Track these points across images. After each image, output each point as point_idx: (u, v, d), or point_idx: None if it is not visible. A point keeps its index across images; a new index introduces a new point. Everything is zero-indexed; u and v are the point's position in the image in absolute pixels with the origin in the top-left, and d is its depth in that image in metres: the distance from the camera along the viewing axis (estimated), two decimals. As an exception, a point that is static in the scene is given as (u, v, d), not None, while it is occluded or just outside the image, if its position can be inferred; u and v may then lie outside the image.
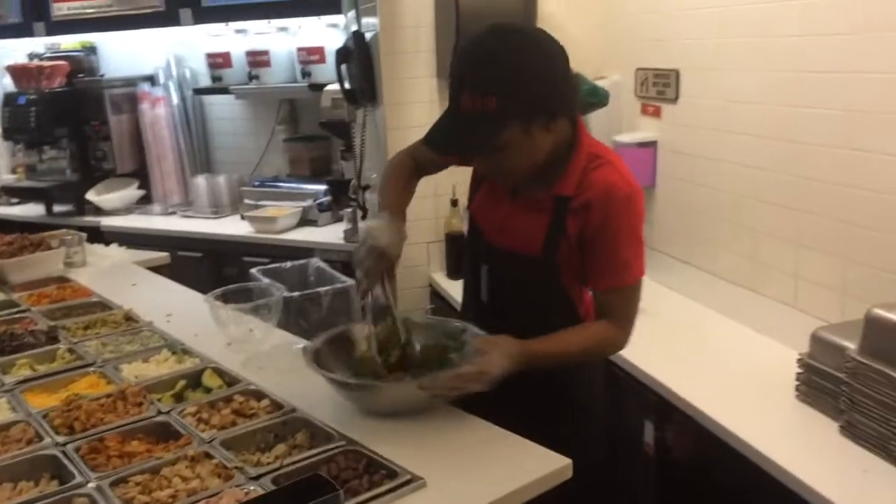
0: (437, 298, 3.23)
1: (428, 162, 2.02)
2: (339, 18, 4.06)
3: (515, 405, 1.76)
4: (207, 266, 4.20)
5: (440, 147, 1.74)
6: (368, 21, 3.24)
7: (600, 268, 1.76)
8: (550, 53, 1.64)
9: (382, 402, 1.75)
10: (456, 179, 3.12)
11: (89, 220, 4.59)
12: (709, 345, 2.39)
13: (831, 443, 1.78)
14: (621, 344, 1.83)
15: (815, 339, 1.93)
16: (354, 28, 3.33)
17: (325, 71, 4.11)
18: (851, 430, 1.77)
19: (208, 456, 1.59)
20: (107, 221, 4.56)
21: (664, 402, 2.14)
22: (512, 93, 1.57)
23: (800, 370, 1.96)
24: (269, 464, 1.58)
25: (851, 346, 1.78)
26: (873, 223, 1.96)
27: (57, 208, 4.82)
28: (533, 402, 1.82)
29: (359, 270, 1.79)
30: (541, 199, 1.76)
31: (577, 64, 3.27)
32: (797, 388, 1.97)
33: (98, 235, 4.16)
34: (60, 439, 1.68)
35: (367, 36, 3.21)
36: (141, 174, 4.86)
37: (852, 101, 2.00)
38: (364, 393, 1.75)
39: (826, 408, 1.88)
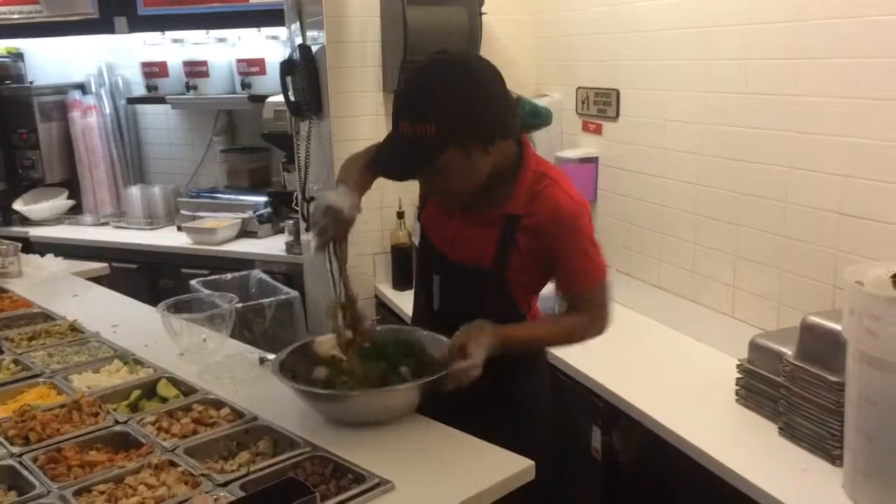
0: (383, 309, 3.25)
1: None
2: (279, 31, 4.06)
3: (464, 410, 1.81)
4: (143, 278, 4.12)
5: (383, 168, 1.80)
6: (313, 34, 3.26)
7: (565, 277, 1.86)
8: (487, 81, 1.71)
9: (352, 411, 1.77)
10: (402, 192, 3.17)
11: (16, 230, 4.46)
12: (651, 353, 2.49)
13: (772, 443, 1.88)
14: (598, 329, 1.90)
15: (754, 346, 2.04)
16: (299, 41, 3.34)
17: (266, 82, 4.11)
18: (790, 432, 1.87)
19: (173, 464, 1.59)
20: (36, 231, 4.43)
21: (611, 408, 2.22)
22: (450, 120, 1.64)
23: (739, 375, 2.07)
24: (233, 471, 1.58)
25: (788, 351, 1.90)
26: (807, 236, 2.09)
27: (-20, 218, 4.66)
28: (481, 407, 1.87)
29: (313, 228, 1.81)
30: (489, 214, 1.83)
31: (518, 81, 3.39)
32: (737, 393, 2.08)
33: (26, 246, 4.03)
34: (16, 450, 1.64)
35: (314, 49, 3.23)
36: (71, 184, 4.74)
37: (789, 123, 2.13)
38: (334, 403, 1.76)
39: (765, 411, 1.99)
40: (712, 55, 2.39)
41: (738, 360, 2.08)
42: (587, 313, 1.88)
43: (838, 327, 1.65)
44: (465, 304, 1.91)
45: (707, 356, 2.41)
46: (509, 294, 1.87)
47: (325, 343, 1.90)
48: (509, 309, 1.88)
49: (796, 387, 1.85)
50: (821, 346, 1.80)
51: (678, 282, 2.60)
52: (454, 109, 1.65)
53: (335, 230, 1.79)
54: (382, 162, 1.77)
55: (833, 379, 1.74)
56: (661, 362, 2.40)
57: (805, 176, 2.09)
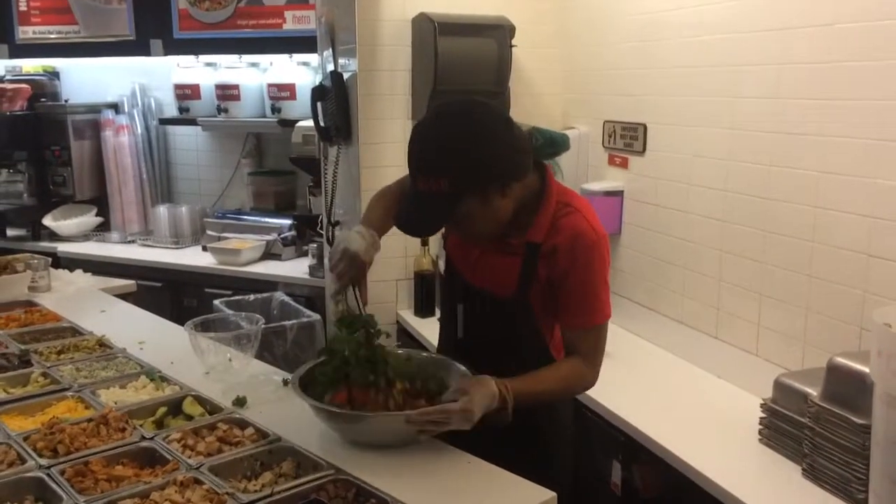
0: (405, 335, 3.27)
1: None
2: (310, 57, 4.13)
3: (488, 439, 1.82)
4: (167, 296, 4.16)
5: (406, 228, 1.84)
6: (345, 62, 3.32)
7: (570, 309, 1.85)
8: (493, 127, 1.73)
9: (369, 432, 1.78)
10: (427, 219, 3.19)
11: (45, 245, 4.52)
12: (673, 388, 2.48)
13: (795, 485, 1.87)
14: (591, 381, 1.91)
15: (779, 385, 2.03)
16: (331, 67, 3.40)
17: (295, 107, 4.17)
18: (814, 473, 1.86)
19: (198, 481, 1.60)
20: (64, 247, 4.50)
21: (631, 442, 2.21)
22: (461, 173, 1.67)
23: (763, 414, 2.06)
24: (256, 491, 1.60)
25: (814, 392, 1.89)
26: (834, 276, 2.09)
27: (11, 232, 4.73)
28: (505, 436, 1.88)
29: (332, 272, 1.86)
30: (513, 243, 1.85)
31: (546, 114, 3.42)
32: (760, 432, 2.07)
33: (54, 261, 4.09)
34: (44, 462, 1.66)
35: (345, 76, 3.28)
36: (100, 201, 4.81)
37: (816, 163, 2.14)
38: (351, 424, 1.77)
39: (789, 451, 1.97)
40: (740, 93, 2.41)
41: (762, 398, 2.07)
42: (585, 360, 1.86)
43: (865, 369, 1.65)
44: (489, 332, 1.93)
45: (730, 394, 2.40)
46: (532, 322, 1.88)
47: None
48: (533, 337, 1.89)
49: (821, 428, 1.84)
50: (847, 388, 1.80)
51: (701, 317, 2.60)
52: (464, 162, 1.67)
53: (353, 274, 1.85)
54: (405, 221, 1.81)
55: (859, 421, 1.73)
56: (682, 398, 2.40)
57: (832, 216, 2.10)
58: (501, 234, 1.85)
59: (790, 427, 1.97)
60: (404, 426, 1.71)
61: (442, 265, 2.11)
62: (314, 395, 1.79)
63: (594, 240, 1.80)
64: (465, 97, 1.88)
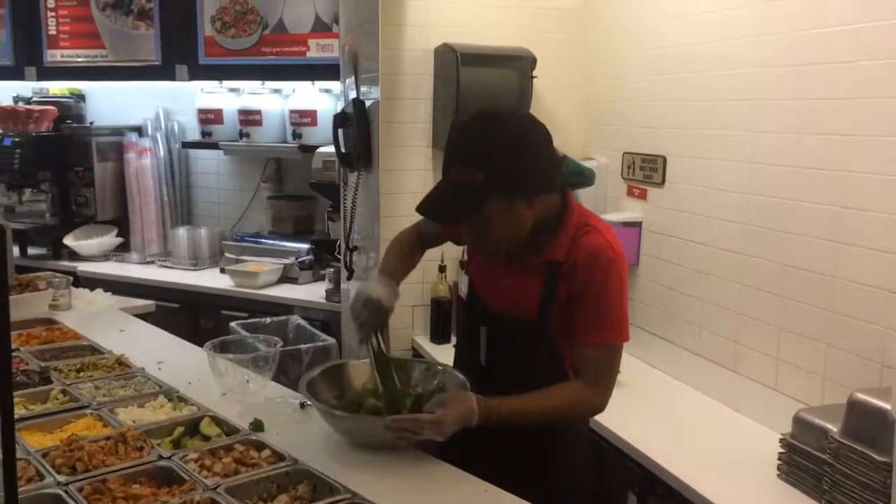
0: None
1: (430, 235, 2.18)
2: (332, 84, 4.19)
3: (505, 465, 1.82)
4: (185, 317, 4.19)
5: (429, 213, 1.85)
6: (367, 89, 3.36)
7: (582, 325, 1.83)
8: (535, 136, 1.78)
9: (352, 432, 1.87)
10: (445, 246, 3.21)
11: (65, 264, 4.57)
12: (689, 421, 2.46)
13: (814, 521, 1.85)
14: (597, 405, 1.86)
15: (798, 421, 2.01)
16: (353, 95, 3.44)
17: (316, 133, 4.22)
18: (834, 510, 1.84)
19: (214, 502, 1.60)
20: (84, 267, 4.54)
21: (648, 475, 2.19)
22: (497, 169, 1.71)
23: (782, 450, 2.04)
24: (273, 514, 1.60)
25: (834, 428, 1.87)
26: (855, 312, 2.08)
27: (32, 251, 4.79)
28: (522, 464, 1.88)
29: (355, 322, 1.94)
30: (534, 263, 1.86)
31: (565, 144, 3.44)
32: (779, 468, 2.05)
33: (74, 280, 4.12)
34: (62, 479, 1.67)
35: (368, 103, 3.32)
36: (121, 222, 4.87)
37: (836, 197, 2.13)
38: (338, 422, 1.87)
39: (808, 487, 1.95)
40: (760, 126, 2.42)
41: (781, 434, 2.05)
42: (590, 382, 1.83)
43: (887, 406, 1.64)
44: (511, 357, 1.93)
45: (748, 428, 2.38)
46: (552, 345, 1.87)
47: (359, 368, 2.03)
48: (552, 362, 1.88)
49: (841, 465, 1.82)
50: (868, 424, 1.78)
51: (719, 350, 2.59)
52: (501, 160, 1.71)
53: (376, 321, 1.92)
54: (430, 207, 1.82)
55: (880, 458, 1.71)
56: (700, 431, 2.38)
57: (852, 251, 2.09)
58: (519, 253, 1.86)
59: (810, 463, 1.95)
60: (383, 430, 1.78)
61: (462, 289, 2.13)
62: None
63: (611, 257, 1.81)
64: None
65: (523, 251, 1.86)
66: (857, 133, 2.08)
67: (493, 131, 1.76)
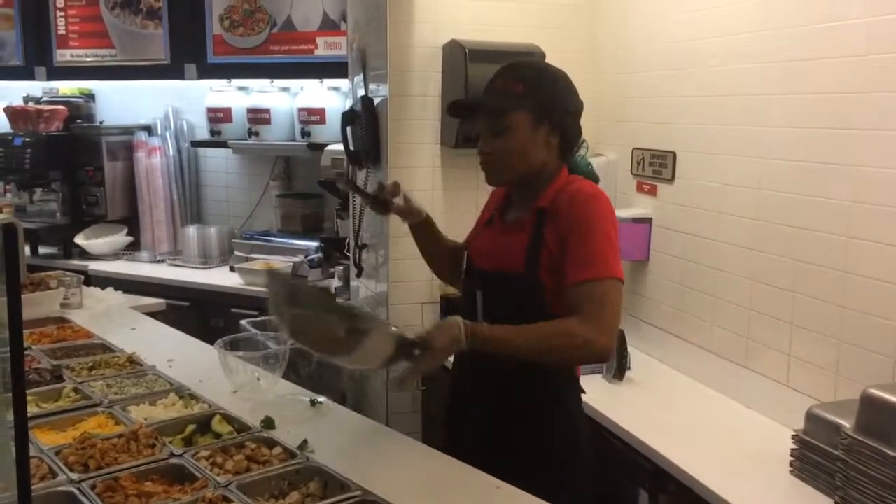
0: (430, 359, 3.26)
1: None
2: (341, 82, 4.19)
3: (513, 466, 1.82)
4: (195, 315, 4.19)
5: (461, 105, 2.03)
6: (375, 87, 3.36)
7: (570, 262, 1.82)
8: (575, 92, 1.97)
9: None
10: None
11: (76, 263, 4.58)
12: (700, 417, 2.45)
13: (827, 518, 1.84)
14: (593, 341, 1.76)
15: (811, 417, 2.00)
16: (361, 92, 3.44)
17: (325, 131, 4.22)
18: (847, 506, 1.83)
19: (226, 499, 1.61)
20: (94, 266, 4.56)
21: (658, 471, 2.18)
22: (540, 88, 1.89)
23: (794, 446, 2.03)
24: (284, 511, 1.60)
25: (847, 424, 1.86)
26: (867, 307, 2.07)
27: (43, 250, 4.81)
28: (527, 464, 1.87)
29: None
30: (524, 218, 1.92)
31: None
32: (791, 464, 2.04)
33: (85, 279, 4.14)
34: (75, 476, 1.68)
35: (376, 101, 3.32)
36: (131, 221, 4.88)
37: (846, 192, 2.12)
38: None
39: (820, 484, 1.94)
40: (770, 121, 2.40)
41: (794, 430, 2.04)
42: (584, 317, 1.76)
43: (901, 401, 1.63)
44: (504, 315, 1.89)
45: (760, 424, 2.37)
46: (543, 300, 1.87)
47: None
48: (547, 318, 1.85)
49: (854, 461, 1.81)
50: (881, 420, 1.77)
51: (730, 346, 2.58)
52: (545, 85, 1.90)
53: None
54: (461, 102, 2.02)
55: (893, 454, 1.70)
56: (711, 428, 2.37)
57: (864, 246, 2.08)
58: (515, 202, 1.97)
59: (822, 459, 1.94)
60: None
61: (463, 265, 2.14)
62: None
63: (593, 193, 1.90)
64: None
65: (517, 200, 1.97)
66: (868, 127, 2.07)
67: (547, 66, 2.02)
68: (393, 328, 1.92)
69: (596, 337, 1.76)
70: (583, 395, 2.05)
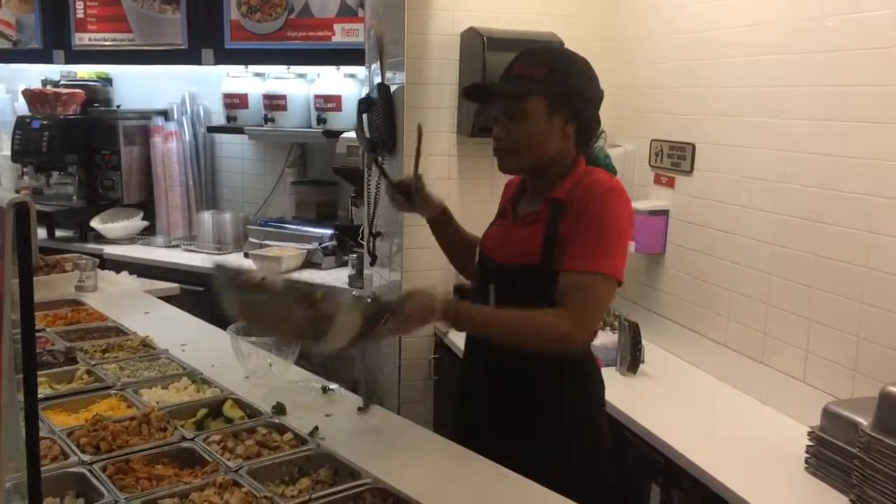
0: (441, 349, 3.25)
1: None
2: (357, 69, 4.17)
3: (522, 457, 1.80)
4: (208, 300, 4.18)
5: (478, 88, 2.01)
6: (392, 74, 3.34)
7: (572, 249, 1.79)
8: (597, 84, 1.93)
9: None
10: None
11: (92, 247, 4.60)
12: (715, 412, 2.43)
13: (843, 516, 1.82)
14: (566, 334, 1.74)
15: (827, 413, 1.98)
16: (378, 80, 3.42)
17: (341, 118, 4.21)
18: (863, 504, 1.81)
19: (237, 484, 1.61)
20: (110, 249, 4.58)
21: (672, 466, 2.16)
22: (558, 74, 1.84)
23: (811, 443, 2.00)
24: (293, 497, 1.60)
25: (864, 421, 1.83)
26: (888, 304, 2.03)
27: (59, 233, 4.83)
28: (537, 455, 1.86)
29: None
30: (538, 210, 1.89)
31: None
32: (807, 461, 2.01)
33: (100, 263, 4.16)
34: (86, 458, 1.68)
35: (392, 88, 3.30)
36: (146, 205, 4.90)
37: (868, 187, 2.09)
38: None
39: (836, 481, 1.92)
40: (792, 114, 2.37)
41: (810, 427, 2.02)
42: (565, 309, 1.74)
43: (921, 399, 1.60)
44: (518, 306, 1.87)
45: (776, 420, 2.34)
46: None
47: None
48: None
49: (871, 459, 1.78)
50: (900, 418, 1.74)
51: (747, 341, 2.55)
52: (565, 72, 1.85)
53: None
54: (478, 84, 1.99)
55: (912, 453, 1.68)
56: (726, 423, 2.34)
57: (886, 241, 2.04)
58: (530, 193, 1.94)
59: (839, 457, 1.91)
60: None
61: (475, 258, 2.12)
62: None
63: (609, 186, 1.86)
64: None
65: (532, 191, 1.94)
66: (892, 121, 2.03)
67: (568, 51, 1.98)
68: (358, 300, 1.80)
69: (574, 332, 1.75)
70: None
